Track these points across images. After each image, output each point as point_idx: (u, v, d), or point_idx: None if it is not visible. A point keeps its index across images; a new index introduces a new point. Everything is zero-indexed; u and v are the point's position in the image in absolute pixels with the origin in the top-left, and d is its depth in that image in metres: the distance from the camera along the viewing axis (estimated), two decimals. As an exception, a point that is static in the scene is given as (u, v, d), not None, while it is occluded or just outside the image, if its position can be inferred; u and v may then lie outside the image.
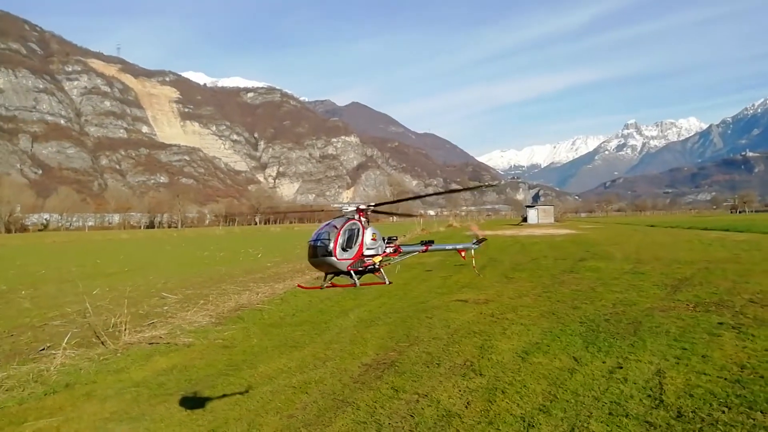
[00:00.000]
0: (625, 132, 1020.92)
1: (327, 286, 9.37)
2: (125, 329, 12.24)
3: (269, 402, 7.83)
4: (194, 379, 9.06)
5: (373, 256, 9.93)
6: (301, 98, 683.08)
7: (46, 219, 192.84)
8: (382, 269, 9.94)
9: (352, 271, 9.22)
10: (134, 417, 7.35)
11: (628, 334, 10.56)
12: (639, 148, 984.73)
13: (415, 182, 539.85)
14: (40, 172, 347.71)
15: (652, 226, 72.04)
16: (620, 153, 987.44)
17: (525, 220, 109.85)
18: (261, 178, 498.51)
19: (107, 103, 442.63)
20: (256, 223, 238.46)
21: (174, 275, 25.77)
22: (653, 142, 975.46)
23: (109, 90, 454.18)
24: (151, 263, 34.74)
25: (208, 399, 7.98)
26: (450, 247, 13.40)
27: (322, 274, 8.91)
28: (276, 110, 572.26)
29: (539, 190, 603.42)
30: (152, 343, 11.57)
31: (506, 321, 12.47)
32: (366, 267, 9.91)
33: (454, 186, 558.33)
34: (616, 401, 7.10)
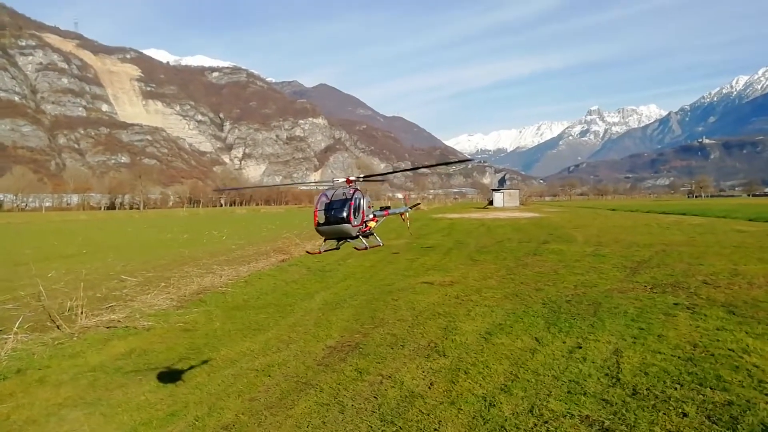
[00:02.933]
0: (589, 118, 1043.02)
1: (324, 250, 9.60)
2: (81, 313, 11.85)
3: (231, 385, 7.70)
4: (153, 363, 8.84)
5: (369, 221, 10.27)
6: (268, 79, 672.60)
7: (0, 199, 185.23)
8: (375, 233, 10.32)
9: (360, 236, 9.51)
10: (90, 402, 7.13)
11: (588, 315, 10.79)
12: (601, 134, 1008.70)
13: (383, 165, 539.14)
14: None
15: (613, 210, 73.94)
16: (583, 139, 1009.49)
17: (491, 203, 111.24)
18: (227, 159, 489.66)
19: (65, 80, 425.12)
20: (221, 205, 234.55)
21: (135, 258, 25.11)
22: (615, 128, 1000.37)
23: (66, 66, 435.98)
24: (111, 245, 33.76)
25: (167, 383, 7.80)
26: (398, 211, 14.36)
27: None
28: (242, 91, 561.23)
29: (505, 174, 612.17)
30: (110, 327, 11.23)
31: (471, 303, 12.58)
32: (364, 232, 10.22)
33: (423, 170, 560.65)
34: (575, 380, 7.25)
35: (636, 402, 6.45)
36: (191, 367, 8.53)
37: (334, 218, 9.12)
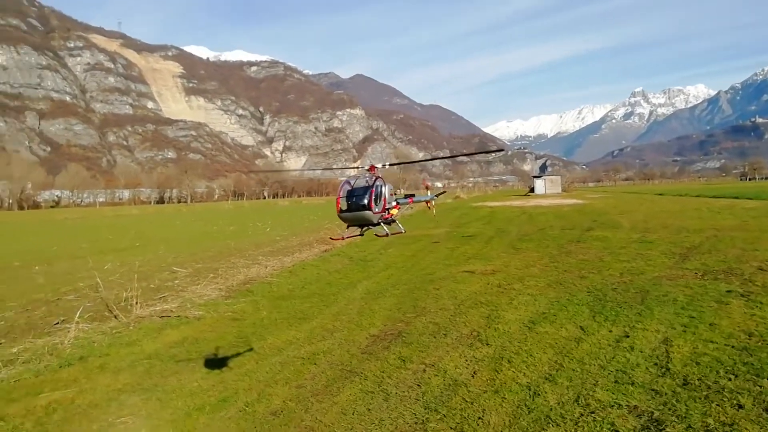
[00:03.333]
0: (632, 100, 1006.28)
1: (347, 237, 9.82)
2: (137, 303, 12.41)
3: (278, 373, 7.95)
4: (204, 351, 9.20)
5: (390, 209, 10.43)
6: (305, 71, 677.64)
7: (57, 196, 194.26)
8: (397, 220, 10.48)
9: (382, 222, 9.71)
10: (147, 388, 7.50)
11: (636, 303, 10.56)
12: (646, 117, 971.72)
13: (421, 154, 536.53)
14: (49, 149, 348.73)
15: (660, 194, 71.49)
16: (627, 121, 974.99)
17: (532, 190, 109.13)
18: (268, 153, 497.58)
19: (111, 79, 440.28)
20: (264, 197, 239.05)
21: (184, 250, 25.97)
22: (661, 110, 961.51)
23: (112, 66, 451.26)
24: (162, 238, 35.01)
25: (218, 370, 8.11)
26: (423, 198, 14.54)
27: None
28: (280, 84, 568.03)
29: (546, 161, 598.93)
30: (163, 317, 11.72)
31: (513, 291, 12.50)
32: (386, 219, 10.39)
33: (462, 158, 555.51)
34: (622, 369, 7.14)
35: (687, 392, 6.31)
36: (240, 355, 8.84)
37: (356, 205, 9.29)
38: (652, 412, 5.91)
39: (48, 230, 51.25)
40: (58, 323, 11.57)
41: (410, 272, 16.44)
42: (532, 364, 7.60)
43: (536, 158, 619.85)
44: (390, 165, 10.34)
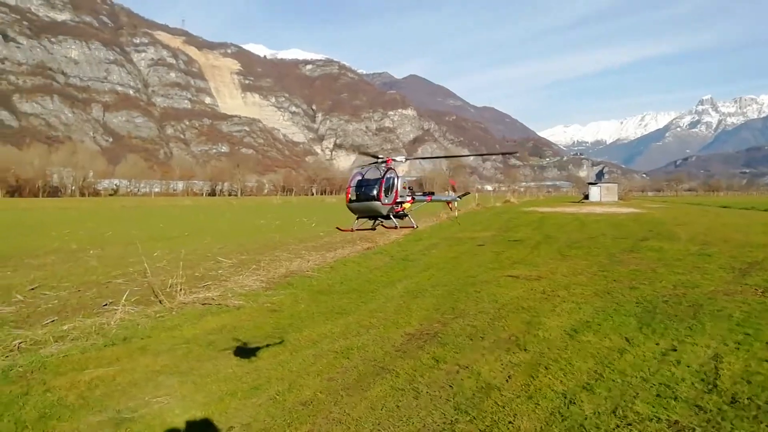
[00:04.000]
0: (700, 108, 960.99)
1: (357, 229, 9.80)
2: (180, 290, 12.77)
3: (311, 365, 7.98)
4: (241, 339, 9.35)
5: (403, 202, 10.33)
6: (359, 70, 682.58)
7: (116, 184, 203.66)
8: (409, 215, 10.39)
9: (391, 215, 9.63)
10: (183, 371, 7.68)
11: (687, 316, 10.05)
12: (714, 126, 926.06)
13: (472, 157, 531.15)
14: (111, 140, 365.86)
15: (725, 207, 67.92)
16: (693, 130, 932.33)
17: (587, 197, 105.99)
18: (318, 150, 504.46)
19: (172, 75, 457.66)
20: (312, 194, 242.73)
21: (230, 241, 26.60)
22: (730, 119, 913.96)
23: (174, 62, 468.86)
24: (210, 229, 36.02)
25: (253, 358, 8.22)
26: (444, 198, 14.39)
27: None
28: (334, 82, 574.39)
29: (603, 167, 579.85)
30: (205, 304, 12.01)
31: (557, 298, 12.14)
32: (397, 212, 10.32)
33: (515, 162, 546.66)
34: (666, 383, 6.79)
35: (734, 411, 5.92)
36: (275, 345, 8.93)
37: (365, 195, 9.19)
38: (694, 429, 5.58)
39: (105, 217, 53.70)
40: (106, 305, 12.04)
41: (452, 274, 16.25)
42: (570, 373, 7.33)
43: (593, 165, 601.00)
44: (407, 159, 10.30)
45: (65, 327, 9.81)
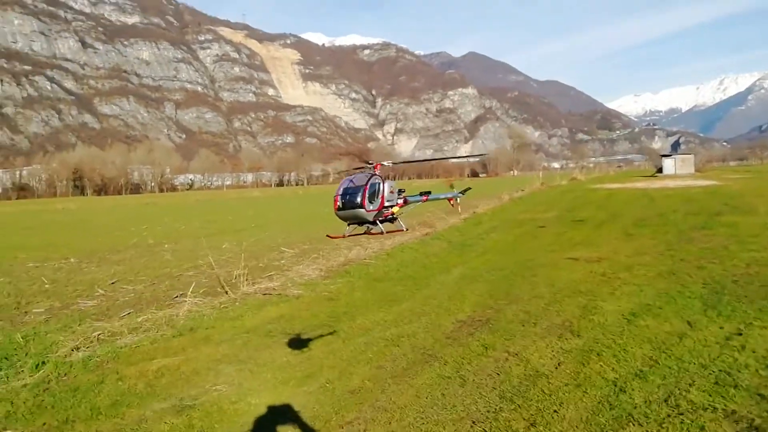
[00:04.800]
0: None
1: (348, 235, 9.96)
2: (244, 280, 13.41)
3: (362, 353, 8.21)
4: (298, 328, 9.74)
5: (391, 207, 10.33)
6: (417, 52, 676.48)
7: (191, 179, 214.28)
8: (399, 218, 10.35)
9: (377, 221, 9.69)
10: (242, 360, 8.13)
11: (759, 297, 9.46)
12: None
13: (537, 133, 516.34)
14: (184, 136, 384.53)
15: (816, 174, 62.51)
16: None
17: (660, 171, 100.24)
18: (380, 135, 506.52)
19: (237, 69, 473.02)
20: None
21: (295, 231, 27.41)
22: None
23: (237, 56, 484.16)
24: (277, 219, 37.29)
25: (307, 347, 8.56)
26: (443, 196, 14.13)
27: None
28: (392, 66, 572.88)
29: (679, 137, 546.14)
30: (266, 294, 12.56)
31: (618, 281, 11.74)
32: (386, 217, 10.33)
33: (582, 136, 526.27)
34: (726, 370, 6.47)
35: (801, 401, 5.60)
36: (329, 334, 9.24)
37: (350, 203, 9.32)
38: (753, 419, 5.30)
39: (180, 211, 56.74)
40: (177, 297, 12.87)
41: (509, 258, 16.05)
42: (624, 359, 7.14)
43: (667, 135, 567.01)
44: (393, 164, 10.45)
45: (139, 319, 10.58)
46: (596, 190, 49.79)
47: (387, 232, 11.09)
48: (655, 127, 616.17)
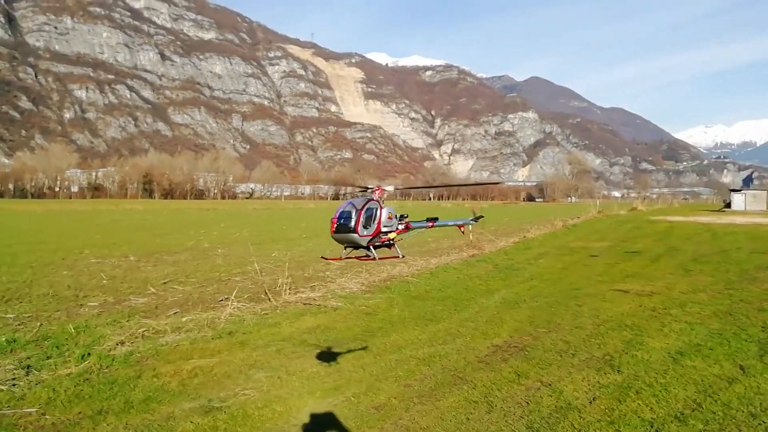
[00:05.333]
0: None
1: (345, 258, 9.90)
2: (286, 289, 13.65)
3: (391, 369, 8.15)
4: (332, 339, 9.79)
5: (388, 232, 10.21)
6: (479, 74, 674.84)
7: (251, 188, 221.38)
8: (396, 244, 10.22)
9: (371, 246, 9.62)
10: (273, 367, 8.24)
11: (824, 347, 8.77)
12: None
13: (598, 161, 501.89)
14: (248, 147, 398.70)
15: None
16: None
17: (728, 206, 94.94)
18: (436, 155, 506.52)
19: (302, 85, 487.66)
20: (429, 199, 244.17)
21: (342, 244, 27.69)
22: None
23: (303, 73, 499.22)
24: (327, 231, 37.73)
25: (338, 360, 8.58)
26: (452, 223, 13.85)
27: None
28: (452, 88, 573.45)
29: (752, 172, 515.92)
30: (306, 304, 12.72)
31: (668, 317, 11.17)
32: (382, 242, 10.23)
33: (646, 166, 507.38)
34: (778, 421, 6.02)
35: None
36: (361, 348, 9.23)
37: (344, 227, 9.27)
38: (800, 479, 4.90)
39: (238, 218, 58.53)
40: (222, 300, 13.23)
41: (555, 285, 15.59)
42: (664, 400, 6.76)
43: (739, 169, 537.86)
44: (396, 189, 10.47)
45: (184, 319, 10.96)
46: (656, 222, 47.67)
47: (381, 258, 11.14)
48: (726, 160, 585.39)
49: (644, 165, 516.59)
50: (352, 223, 9.22)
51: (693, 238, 29.86)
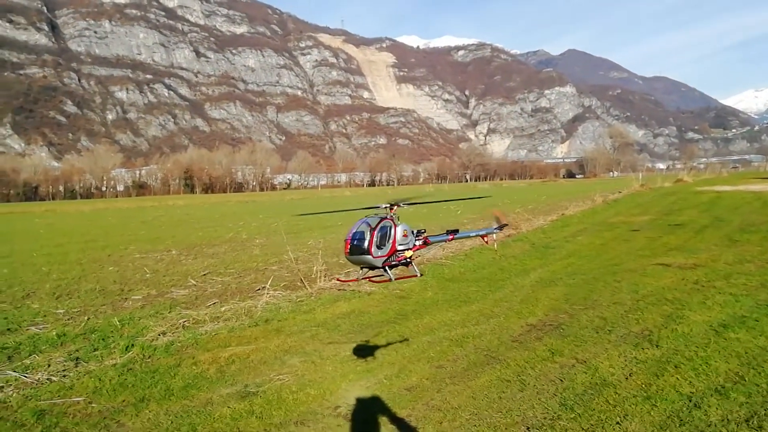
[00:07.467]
0: None
1: (363, 278, 9.82)
2: (321, 276, 13.85)
3: (424, 351, 8.18)
4: (365, 323, 9.89)
5: (404, 251, 10.07)
6: (512, 51, 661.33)
7: (289, 179, 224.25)
8: (413, 262, 10.08)
9: (386, 267, 9.54)
10: (307, 352, 8.40)
11: None
12: None
13: (641, 132, 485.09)
14: (283, 138, 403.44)
15: None
16: None
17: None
18: (472, 136, 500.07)
19: (334, 73, 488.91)
20: (466, 180, 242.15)
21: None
22: None
23: (335, 61, 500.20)
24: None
25: (371, 343, 8.67)
26: (474, 233, 13.52)
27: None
28: (486, 66, 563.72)
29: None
30: (340, 290, 12.87)
31: (712, 289, 10.77)
32: (399, 261, 10.11)
33: (691, 134, 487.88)
34: (826, 395, 5.76)
35: None
36: (395, 331, 9.30)
37: (358, 249, 9.13)
38: None
39: (275, 208, 59.46)
40: (259, 289, 13.52)
41: (593, 262, 15.26)
42: (704, 373, 6.56)
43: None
44: (407, 204, 10.30)
45: (222, 308, 11.27)
46: (702, 192, 45.74)
47: (397, 279, 11.15)
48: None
49: (690, 134, 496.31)
50: (366, 244, 9.26)
51: (741, 207, 28.53)
